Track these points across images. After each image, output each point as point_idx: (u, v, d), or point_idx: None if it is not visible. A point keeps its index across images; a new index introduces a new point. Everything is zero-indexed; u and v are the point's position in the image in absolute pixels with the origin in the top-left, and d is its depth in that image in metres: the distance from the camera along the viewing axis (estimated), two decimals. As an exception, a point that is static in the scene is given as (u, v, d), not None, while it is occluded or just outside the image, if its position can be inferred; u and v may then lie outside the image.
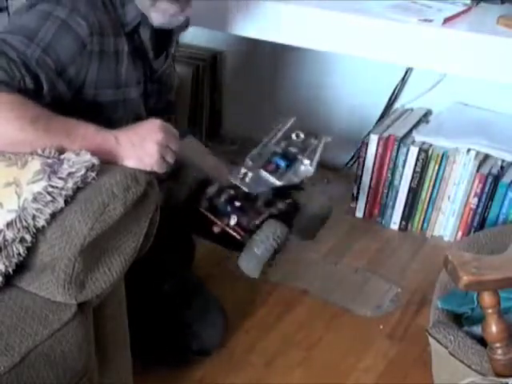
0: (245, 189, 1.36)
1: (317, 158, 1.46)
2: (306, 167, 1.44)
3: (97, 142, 1.13)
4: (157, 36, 1.37)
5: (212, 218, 1.37)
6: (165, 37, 1.41)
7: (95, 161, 1.09)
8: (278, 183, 1.38)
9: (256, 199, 1.40)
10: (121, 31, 1.30)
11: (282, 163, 1.42)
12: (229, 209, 1.37)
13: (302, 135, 1.49)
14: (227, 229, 1.37)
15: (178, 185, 1.44)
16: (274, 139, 1.47)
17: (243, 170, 1.38)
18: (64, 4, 1.21)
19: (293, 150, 1.46)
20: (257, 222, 1.37)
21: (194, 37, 2.20)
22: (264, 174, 1.39)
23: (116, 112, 1.19)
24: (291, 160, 1.44)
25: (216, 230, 1.38)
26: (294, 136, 1.49)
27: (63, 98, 1.22)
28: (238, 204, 1.37)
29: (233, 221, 1.37)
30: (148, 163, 1.16)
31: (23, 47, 1.16)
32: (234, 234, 1.36)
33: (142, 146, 1.16)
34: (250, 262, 1.35)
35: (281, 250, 1.36)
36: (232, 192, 1.38)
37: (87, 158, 1.09)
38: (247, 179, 1.37)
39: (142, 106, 1.40)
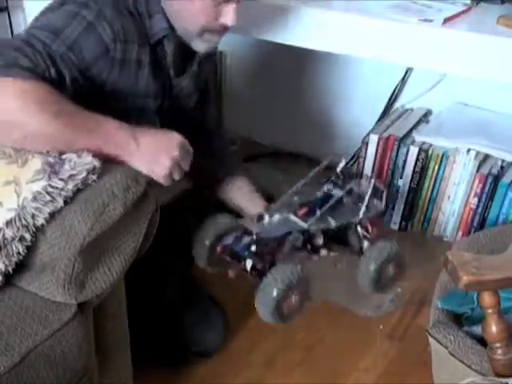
0: (256, 230, 1.37)
1: (365, 201, 1.48)
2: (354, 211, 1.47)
3: (116, 139, 1.14)
4: (181, 53, 1.38)
5: (228, 259, 1.40)
6: (189, 55, 1.41)
7: (96, 163, 1.09)
8: (304, 225, 1.39)
9: (282, 244, 1.39)
10: (145, 41, 1.30)
11: (316, 208, 1.43)
12: (246, 253, 1.37)
13: (341, 176, 1.51)
14: (243, 272, 1.38)
15: (200, 230, 1.43)
16: (308, 180, 1.50)
17: (261, 214, 1.41)
18: (91, 7, 1.21)
19: (334, 191, 1.49)
20: (267, 265, 1.36)
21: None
22: (292, 218, 1.41)
23: (130, 120, 1.20)
24: (333, 203, 1.45)
25: (231, 273, 1.40)
26: (333, 178, 1.52)
27: (84, 93, 1.22)
28: (253, 248, 1.37)
29: (248, 264, 1.37)
30: (157, 174, 1.19)
31: (49, 41, 1.17)
32: (251, 277, 1.37)
33: (157, 157, 1.18)
34: (261, 306, 1.33)
35: (295, 291, 1.32)
36: (253, 237, 1.38)
37: (89, 159, 1.09)
38: (266, 222, 1.39)
39: (157, 120, 1.39)
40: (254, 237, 1.37)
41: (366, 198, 1.48)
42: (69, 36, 1.19)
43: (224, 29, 1.33)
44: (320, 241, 1.44)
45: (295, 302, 1.32)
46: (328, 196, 1.48)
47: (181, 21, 1.31)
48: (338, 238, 1.48)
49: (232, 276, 1.40)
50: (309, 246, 1.44)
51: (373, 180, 1.51)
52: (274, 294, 1.28)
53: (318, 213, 1.42)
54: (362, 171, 2.07)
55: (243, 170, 1.60)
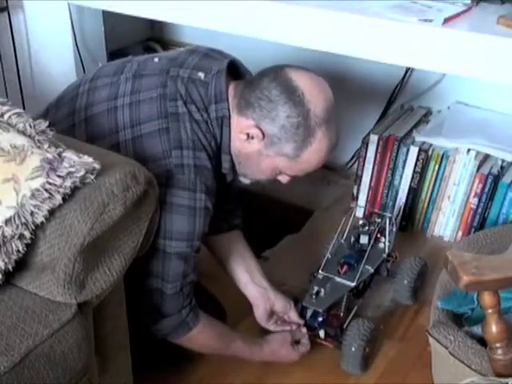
0: (318, 309, 1.54)
1: (391, 237, 1.71)
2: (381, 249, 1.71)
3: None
4: None
5: (304, 332, 1.58)
6: None
7: (96, 165, 1.09)
8: (353, 284, 1.58)
9: (338, 306, 1.58)
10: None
11: (353, 261, 1.62)
12: (315, 324, 1.56)
13: (365, 225, 1.71)
14: (319, 340, 1.58)
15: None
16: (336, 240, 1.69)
17: (315, 289, 1.55)
18: (201, 189, 1.32)
19: (362, 240, 1.69)
20: (340, 328, 1.56)
21: (192, 37, 2.20)
22: (339, 280, 1.59)
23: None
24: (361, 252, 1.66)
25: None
26: (360, 227, 1.71)
27: None
28: (320, 319, 1.55)
29: (322, 334, 1.57)
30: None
31: (189, 250, 1.34)
32: (326, 343, 1.58)
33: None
34: (348, 365, 1.54)
35: (371, 340, 1.54)
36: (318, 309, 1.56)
37: (89, 160, 1.09)
38: (321, 295, 1.55)
39: None
40: (320, 310, 1.55)
41: (387, 234, 1.69)
42: (199, 232, 1.34)
43: (276, 181, 1.44)
44: (361, 285, 1.65)
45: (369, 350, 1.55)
46: (358, 246, 1.68)
47: (244, 170, 1.42)
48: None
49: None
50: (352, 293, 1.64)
51: (388, 215, 1.72)
52: (357, 351, 1.51)
53: (359, 267, 1.61)
54: (362, 171, 2.07)
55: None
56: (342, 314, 1.57)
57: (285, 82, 1.30)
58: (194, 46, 1.48)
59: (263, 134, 1.32)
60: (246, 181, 1.47)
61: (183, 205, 1.31)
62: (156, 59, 1.42)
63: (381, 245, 1.71)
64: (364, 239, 1.68)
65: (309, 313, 1.57)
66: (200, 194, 1.32)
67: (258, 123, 1.32)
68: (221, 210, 1.47)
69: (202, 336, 1.43)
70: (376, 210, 1.85)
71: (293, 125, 1.29)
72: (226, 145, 1.37)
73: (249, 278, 1.60)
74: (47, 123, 1.15)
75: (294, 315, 1.59)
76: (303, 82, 1.31)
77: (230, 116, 1.35)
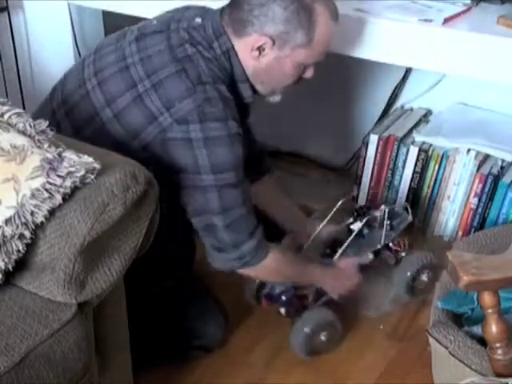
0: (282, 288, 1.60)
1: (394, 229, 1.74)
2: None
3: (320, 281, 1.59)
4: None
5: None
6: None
7: (97, 165, 1.09)
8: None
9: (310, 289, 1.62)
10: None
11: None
12: (280, 300, 1.61)
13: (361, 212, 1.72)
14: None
15: None
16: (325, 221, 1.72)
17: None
18: (231, 117, 1.34)
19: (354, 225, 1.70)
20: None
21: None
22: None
23: None
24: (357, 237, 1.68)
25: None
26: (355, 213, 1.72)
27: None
28: (284, 298, 1.60)
29: (282, 310, 1.62)
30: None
31: (237, 176, 1.36)
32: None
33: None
34: (295, 345, 1.57)
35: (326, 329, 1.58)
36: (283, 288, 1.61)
37: (90, 160, 1.09)
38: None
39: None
40: (283, 288, 1.60)
41: (385, 223, 1.70)
42: (240, 161, 1.36)
43: (303, 80, 1.46)
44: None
45: (323, 340, 1.58)
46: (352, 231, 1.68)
47: (271, 84, 1.45)
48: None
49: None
50: None
51: (383, 207, 1.71)
52: (303, 334, 1.54)
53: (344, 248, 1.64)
54: (362, 171, 2.07)
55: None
56: (310, 297, 1.60)
57: None
58: (187, 4, 1.51)
59: (272, 39, 1.35)
60: (275, 98, 1.50)
61: (220, 136, 1.33)
62: (154, 21, 1.47)
63: (380, 233, 1.71)
64: (355, 226, 1.69)
65: (277, 289, 1.60)
66: (231, 121, 1.34)
67: (262, 32, 1.35)
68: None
69: (278, 260, 1.47)
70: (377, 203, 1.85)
71: (293, 12, 1.33)
72: (241, 73, 1.40)
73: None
74: (47, 123, 1.15)
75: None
76: None
77: (233, 46, 1.38)
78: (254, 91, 1.45)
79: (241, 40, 1.37)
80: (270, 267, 1.45)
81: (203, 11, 1.44)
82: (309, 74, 1.46)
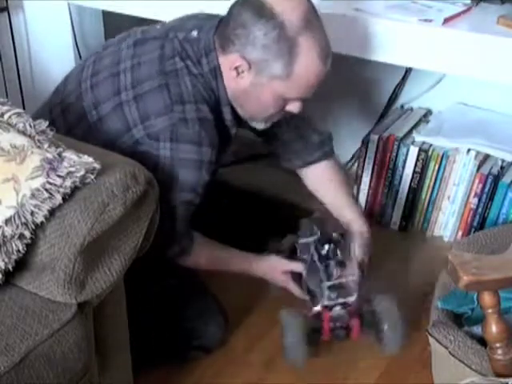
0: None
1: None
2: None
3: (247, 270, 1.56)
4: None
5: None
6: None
7: (97, 165, 1.09)
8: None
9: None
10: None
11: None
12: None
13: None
14: None
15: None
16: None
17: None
18: (206, 143, 1.34)
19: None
20: None
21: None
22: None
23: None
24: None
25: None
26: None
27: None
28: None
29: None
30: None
31: (193, 197, 1.40)
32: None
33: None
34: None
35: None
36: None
37: (89, 160, 1.09)
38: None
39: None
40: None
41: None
42: (203, 183, 1.38)
43: (287, 113, 1.42)
44: None
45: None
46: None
47: (249, 110, 1.41)
48: None
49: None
50: None
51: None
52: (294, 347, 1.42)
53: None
54: (362, 171, 2.07)
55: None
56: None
57: (252, 3, 1.30)
58: (197, 12, 1.50)
59: (249, 63, 1.31)
60: (259, 125, 1.46)
61: (189, 159, 1.34)
62: (158, 26, 1.46)
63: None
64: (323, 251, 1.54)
65: None
66: (205, 147, 1.34)
67: (242, 54, 1.31)
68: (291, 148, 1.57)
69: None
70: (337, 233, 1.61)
71: (273, 40, 1.27)
72: (224, 95, 1.38)
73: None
74: (47, 123, 1.16)
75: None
76: None
77: (219, 65, 1.35)
78: (237, 116, 1.43)
79: (224, 57, 1.35)
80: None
81: (204, 22, 1.42)
82: (293, 108, 1.40)
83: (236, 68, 1.33)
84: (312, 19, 1.31)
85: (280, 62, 1.29)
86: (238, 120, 1.45)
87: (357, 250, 1.54)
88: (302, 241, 1.57)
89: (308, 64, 1.31)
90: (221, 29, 1.35)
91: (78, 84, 1.44)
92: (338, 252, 1.52)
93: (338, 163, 1.70)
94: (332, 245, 1.53)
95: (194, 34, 1.39)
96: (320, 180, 1.67)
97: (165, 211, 1.30)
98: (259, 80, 1.33)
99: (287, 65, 1.29)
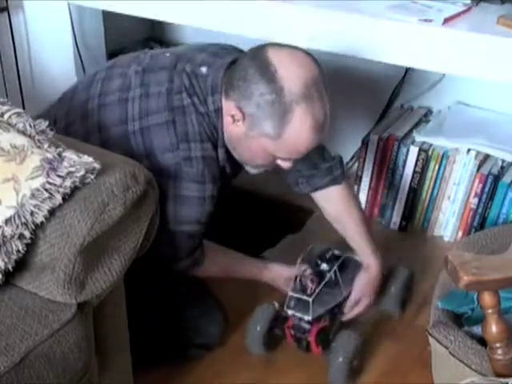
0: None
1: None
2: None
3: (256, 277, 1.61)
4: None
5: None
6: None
7: (97, 165, 1.09)
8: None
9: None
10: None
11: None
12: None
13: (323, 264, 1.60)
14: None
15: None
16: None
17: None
18: (209, 180, 1.38)
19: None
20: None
21: (192, 37, 2.20)
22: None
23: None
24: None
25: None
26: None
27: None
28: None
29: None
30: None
31: (198, 228, 1.44)
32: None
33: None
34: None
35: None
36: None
37: (89, 160, 1.09)
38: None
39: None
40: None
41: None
42: (206, 215, 1.42)
43: (278, 167, 1.43)
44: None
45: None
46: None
47: (240, 155, 1.42)
48: None
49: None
50: None
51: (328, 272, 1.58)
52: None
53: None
54: (362, 171, 2.07)
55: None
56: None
57: (261, 60, 1.30)
58: (207, 43, 1.50)
59: (243, 114, 1.32)
60: (252, 170, 1.48)
61: (193, 196, 1.37)
62: (167, 54, 1.46)
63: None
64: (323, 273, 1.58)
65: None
66: (208, 184, 1.37)
67: (239, 104, 1.32)
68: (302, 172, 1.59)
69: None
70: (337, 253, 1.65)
71: (267, 102, 1.28)
72: (221, 136, 1.39)
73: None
74: (47, 123, 1.16)
75: None
76: (279, 58, 1.29)
77: (222, 107, 1.36)
78: (231, 156, 1.43)
79: (226, 102, 1.35)
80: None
81: (214, 59, 1.41)
82: (283, 165, 1.42)
83: (232, 116, 1.34)
84: (314, 90, 1.29)
85: (270, 123, 1.30)
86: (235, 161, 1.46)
87: (356, 286, 1.60)
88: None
89: (298, 133, 1.31)
90: (229, 74, 1.36)
91: (85, 100, 1.44)
92: (338, 275, 1.58)
93: (348, 187, 1.68)
94: (330, 265, 1.58)
95: (203, 70, 1.38)
96: (329, 206, 1.67)
97: (171, 234, 1.38)
98: (251, 133, 1.34)
99: (277, 127, 1.30)
